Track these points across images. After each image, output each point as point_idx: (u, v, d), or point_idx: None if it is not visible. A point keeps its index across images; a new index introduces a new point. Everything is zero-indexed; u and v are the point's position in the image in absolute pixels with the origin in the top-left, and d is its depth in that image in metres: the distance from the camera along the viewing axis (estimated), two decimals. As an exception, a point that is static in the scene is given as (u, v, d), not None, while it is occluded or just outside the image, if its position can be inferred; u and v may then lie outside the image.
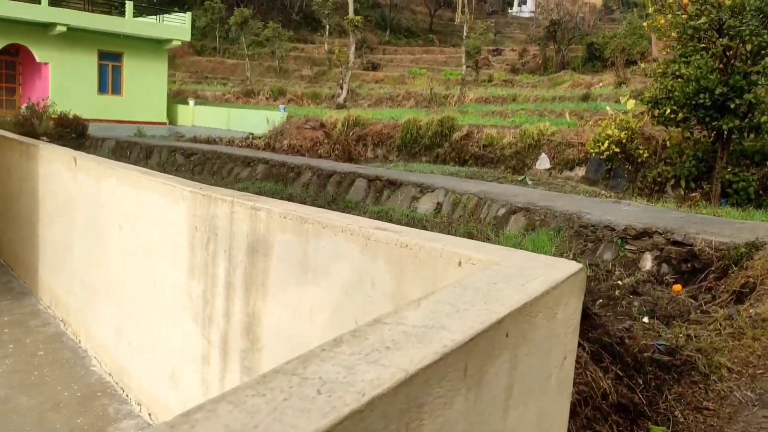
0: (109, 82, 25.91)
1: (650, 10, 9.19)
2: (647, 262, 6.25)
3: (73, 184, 4.26)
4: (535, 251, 7.08)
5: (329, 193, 10.98)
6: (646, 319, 4.54)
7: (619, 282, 5.62)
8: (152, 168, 14.32)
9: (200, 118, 26.81)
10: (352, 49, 38.57)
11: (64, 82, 24.42)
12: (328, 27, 52.70)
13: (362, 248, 1.96)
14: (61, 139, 16.79)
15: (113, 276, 3.72)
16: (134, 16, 26.94)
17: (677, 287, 5.51)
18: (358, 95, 39.29)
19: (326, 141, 17.23)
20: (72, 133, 16.85)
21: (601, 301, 4.96)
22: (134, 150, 15.79)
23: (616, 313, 4.66)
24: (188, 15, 27.35)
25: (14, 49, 24.33)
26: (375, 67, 56.00)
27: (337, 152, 13.86)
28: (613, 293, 5.17)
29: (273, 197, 9.52)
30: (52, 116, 16.77)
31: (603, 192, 9.67)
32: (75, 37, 24.21)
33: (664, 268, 6.06)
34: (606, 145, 9.15)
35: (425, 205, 9.44)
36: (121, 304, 3.63)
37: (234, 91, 42.71)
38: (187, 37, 26.74)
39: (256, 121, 21.96)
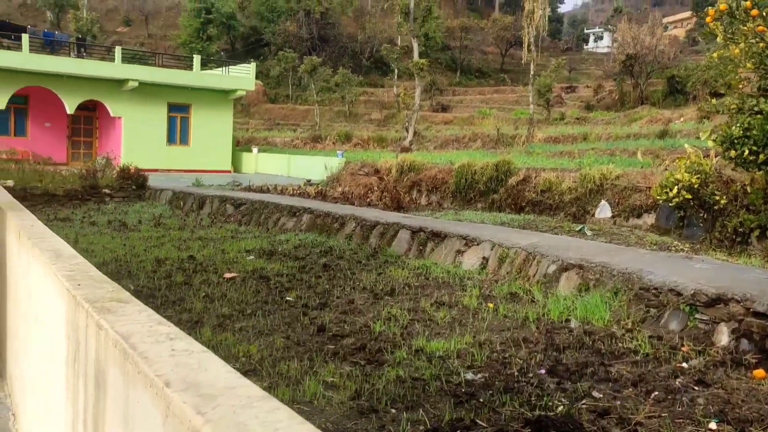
0: (177, 132, 26.59)
1: (720, 38, 8.10)
2: (722, 336, 5.14)
3: (17, 260, 3.76)
4: (587, 318, 6.09)
5: (371, 246, 10.28)
6: (713, 425, 3.51)
7: (684, 365, 4.56)
8: (202, 219, 14.20)
9: (263, 165, 26.99)
10: (418, 92, 38.34)
11: (136, 135, 25.23)
12: (396, 71, 53.14)
13: (163, 418, 1.22)
14: (122, 191, 17.04)
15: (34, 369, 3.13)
16: (201, 69, 27.76)
17: (760, 372, 4.41)
18: (424, 138, 38.86)
19: (378, 188, 16.65)
20: (132, 185, 17.04)
21: (656, 394, 3.95)
22: (188, 200, 15.74)
23: (674, 414, 3.65)
24: (252, 65, 27.87)
25: (92, 105, 25.39)
26: (444, 108, 55.78)
27: (386, 200, 13.21)
28: (673, 383, 4.15)
29: (313, 250, 8.88)
30: (115, 169, 17.05)
31: (675, 243, 8.50)
32: (146, 91, 25.03)
33: (744, 344, 4.94)
34: (675, 191, 8.01)
35: (470, 260, 8.56)
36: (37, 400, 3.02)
37: (302, 137, 43.31)
38: (252, 87, 27.18)
39: (315, 167, 21.74)
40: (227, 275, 7.61)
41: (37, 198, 15.24)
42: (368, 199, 14.04)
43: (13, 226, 4.06)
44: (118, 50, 24.16)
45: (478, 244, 8.63)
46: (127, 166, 17.21)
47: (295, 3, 57.90)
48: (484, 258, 8.39)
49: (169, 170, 25.77)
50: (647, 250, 8.03)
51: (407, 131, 39.40)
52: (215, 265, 8.37)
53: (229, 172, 27.53)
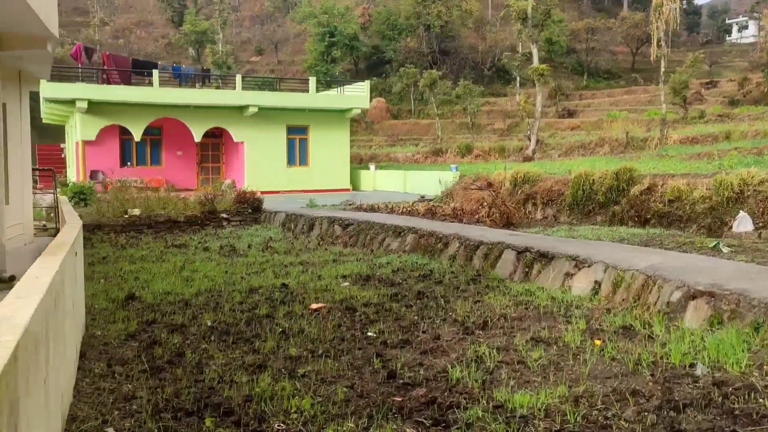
0: (296, 154, 27.19)
1: None
2: None
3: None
4: (718, 362, 4.98)
5: (475, 268, 9.54)
6: None
7: None
8: (310, 241, 14.10)
9: (381, 182, 26.90)
10: (539, 98, 36.78)
11: (258, 158, 26.09)
12: (518, 79, 51.68)
13: None
14: (238, 215, 17.48)
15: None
16: (317, 91, 28.28)
17: None
18: (548, 145, 37.15)
19: (488, 203, 15.79)
20: (248, 209, 17.43)
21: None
22: (299, 222, 15.78)
23: None
24: (366, 83, 27.99)
25: (218, 132, 26.61)
26: (571, 114, 53.36)
27: (494, 216, 12.35)
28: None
29: (412, 273, 8.31)
30: (232, 194, 17.54)
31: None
32: (266, 115, 25.85)
33: None
34: None
35: (580, 284, 7.59)
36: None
37: (423, 151, 43.09)
38: (366, 105, 27.26)
39: (429, 182, 21.22)
40: (313, 306, 7.22)
41: (160, 225, 15.96)
42: (477, 216, 13.24)
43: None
44: (238, 78, 25.18)
45: (589, 266, 7.64)
46: (244, 191, 17.63)
47: (414, 19, 58.20)
48: (596, 282, 7.39)
49: (289, 191, 26.39)
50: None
51: (529, 140, 37.91)
52: (306, 293, 8.04)
53: (348, 190, 27.73)
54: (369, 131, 55.06)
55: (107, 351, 5.55)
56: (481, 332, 5.98)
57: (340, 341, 5.77)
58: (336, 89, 28.84)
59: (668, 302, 6.30)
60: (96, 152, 25.03)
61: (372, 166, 28.37)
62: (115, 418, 3.96)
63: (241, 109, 25.35)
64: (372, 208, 16.86)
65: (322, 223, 14.97)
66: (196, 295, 8.07)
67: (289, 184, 26.61)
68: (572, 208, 12.90)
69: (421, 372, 4.81)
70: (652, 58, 32.65)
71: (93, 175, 24.82)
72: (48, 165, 26.36)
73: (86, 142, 24.31)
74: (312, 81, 26.77)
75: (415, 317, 6.63)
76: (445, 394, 4.30)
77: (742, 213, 8.67)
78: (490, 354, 5.20)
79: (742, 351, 4.91)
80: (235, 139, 25.99)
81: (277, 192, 26.12)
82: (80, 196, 18.07)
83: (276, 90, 27.35)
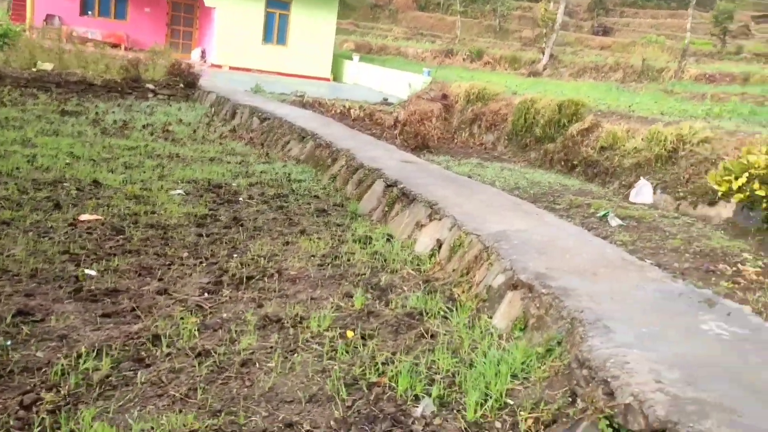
0: (275, 31, 25.00)
1: None
2: None
3: None
4: (480, 397, 3.38)
5: (346, 194, 8.10)
6: None
7: None
8: (216, 130, 12.39)
9: (362, 76, 24.86)
10: (561, 9, 33.65)
11: (230, 29, 23.98)
12: (559, -15, 47.67)
13: None
14: (167, 88, 15.86)
15: None
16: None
17: None
18: (561, 62, 34.30)
19: (440, 116, 14.06)
20: (180, 83, 15.77)
21: None
22: (225, 107, 14.17)
23: None
24: (360, -38, 25.18)
25: (195, -9, 24.28)
26: (606, 31, 49.62)
27: (406, 135, 10.66)
28: None
29: (271, 190, 6.87)
30: (167, 63, 15.82)
31: (742, 255, 5.55)
32: (243, -19, 23.49)
33: None
34: (742, 181, 4.86)
35: (426, 239, 6.15)
36: None
37: (434, 50, 40.46)
38: (356, -14, 24.62)
39: (401, 84, 19.30)
40: (83, 217, 5.87)
41: (72, 86, 14.41)
42: (415, 129, 11.50)
43: None
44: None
45: (439, 220, 6.17)
46: (178, 62, 15.89)
47: None
48: (438, 241, 5.96)
49: (262, 71, 24.48)
50: (684, 260, 5.20)
51: (543, 53, 35.05)
52: (112, 198, 6.68)
53: (328, 80, 25.75)
54: (391, 20, 51.83)
55: None
56: (229, 291, 4.63)
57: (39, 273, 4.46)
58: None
59: (489, 286, 4.89)
60: (54, -5, 23.03)
61: (355, 57, 26.12)
62: None
63: (215, -31, 22.98)
64: (312, 105, 15.16)
65: (243, 112, 13.38)
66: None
67: (263, 63, 24.63)
68: (511, 138, 11.24)
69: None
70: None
71: (48, 19, 22.95)
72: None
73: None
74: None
75: (177, 257, 5.24)
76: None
77: (642, 180, 6.99)
78: (167, 332, 3.87)
79: (505, 382, 3.55)
80: (206, 3, 23.76)
81: (248, 70, 24.24)
82: (4, 39, 16.31)
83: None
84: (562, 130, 9.89)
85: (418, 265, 5.72)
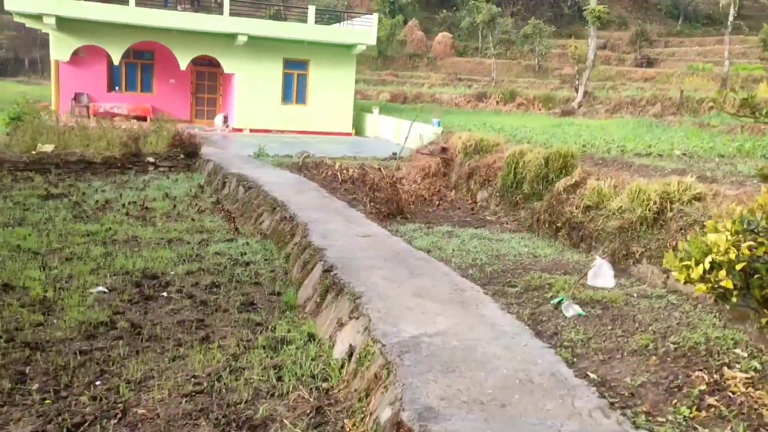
0: (293, 91, 24.85)
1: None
2: None
3: None
4: None
5: (291, 279, 7.27)
6: None
7: None
8: (200, 206, 11.80)
9: (382, 128, 24.31)
10: (593, 44, 32.43)
11: (249, 92, 23.98)
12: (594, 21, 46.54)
13: None
14: (168, 160, 15.62)
15: None
16: (325, 23, 25.52)
17: None
18: (596, 99, 32.87)
19: (439, 172, 13.19)
20: (180, 153, 15.51)
21: None
22: (218, 176, 13.72)
23: None
24: (375, 17, 24.94)
25: (216, 61, 24.54)
26: (650, 63, 47.95)
27: (377, 201, 9.72)
28: None
29: (205, 278, 6.10)
30: (170, 134, 15.62)
31: (740, 349, 4.39)
32: (259, 46, 23.53)
33: None
34: (703, 267, 3.66)
35: (342, 344, 5.20)
36: None
37: (468, 94, 39.84)
38: (372, 41, 24.33)
39: (413, 136, 18.58)
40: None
41: (71, 165, 14.28)
42: (392, 192, 10.64)
43: None
44: (226, 2, 22.79)
45: (357, 318, 5.24)
46: (180, 132, 15.67)
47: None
48: (350, 347, 5.01)
49: (283, 131, 24.29)
50: (644, 370, 4.08)
51: (576, 91, 33.76)
52: (11, 305, 6.07)
53: (350, 134, 25.32)
54: (430, 67, 51.78)
55: None
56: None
57: None
58: (339, 23, 25.97)
59: (378, 422, 3.90)
60: (81, 74, 23.60)
61: (375, 110, 25.59)
62: None
63: (231, 37, 23.08)
64: (315, 166, 14.52)
65: (231, 181, 12.87)
66: None
67: (283, 124, 24.44)
68: (503, 195, 10.23)
69: None
70: (723, 2, 27.72)
71: (77, 97, 23.50)
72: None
73: (65, 63, 22.88)
74: (311, 10, 23.98)
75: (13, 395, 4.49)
76: None
77: (598, 259, 5.76)
78: None
79: None
80: (225, 70, 23.87)
81: (269, 131, 24.08)
82: (17, 122, 16.53)
83: (277, 19, 24.79)
84: (550, 186, 8.83)
85: (324, 379, 4.78)
